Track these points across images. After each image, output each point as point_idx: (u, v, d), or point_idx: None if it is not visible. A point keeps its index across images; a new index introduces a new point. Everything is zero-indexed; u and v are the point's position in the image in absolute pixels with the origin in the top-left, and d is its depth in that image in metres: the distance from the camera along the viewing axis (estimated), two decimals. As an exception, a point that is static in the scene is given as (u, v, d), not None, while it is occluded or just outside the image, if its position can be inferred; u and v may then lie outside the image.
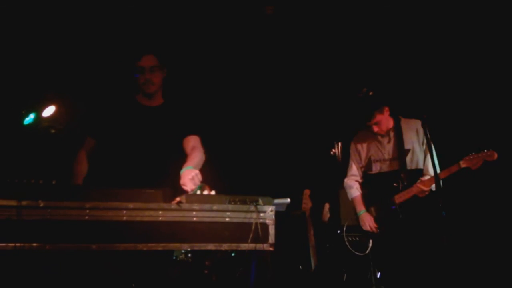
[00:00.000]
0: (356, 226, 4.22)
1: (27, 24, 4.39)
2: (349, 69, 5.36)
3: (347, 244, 4.21)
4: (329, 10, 4.76)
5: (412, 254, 3.73)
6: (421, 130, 3.88)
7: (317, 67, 5.44)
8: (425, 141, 3.83)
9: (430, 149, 3.45)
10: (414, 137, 3.96)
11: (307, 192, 5.48)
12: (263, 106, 5.75)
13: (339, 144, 5.43)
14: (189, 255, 4.30)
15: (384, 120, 3.96)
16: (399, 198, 3.89)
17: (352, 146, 4.31)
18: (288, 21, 4.89)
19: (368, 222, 4.08)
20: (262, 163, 5.65)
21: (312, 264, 5.16)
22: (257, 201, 2.55)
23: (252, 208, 2.51)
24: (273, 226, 2.54)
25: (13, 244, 2.16)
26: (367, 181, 4.21)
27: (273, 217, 2.55)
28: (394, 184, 3.92)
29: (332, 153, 5.51)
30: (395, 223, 3.87)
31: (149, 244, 2.34)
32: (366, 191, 4.18)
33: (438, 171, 3.59)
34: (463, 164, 3.70)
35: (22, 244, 2.17)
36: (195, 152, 3.02)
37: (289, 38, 5.11)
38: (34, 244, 2.19)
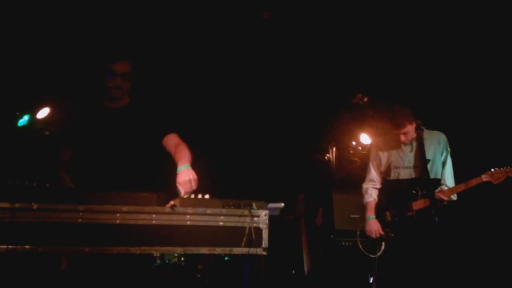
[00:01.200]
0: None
1: (20, 26, 4.37)
2: (343, 74, 5.38)
3: (360, 245, 4.28)
4: (326, 15, 4.77)
5: (423, 261, 3.78)
6: (442, 142, 4.07)
7: (310, 72, 5.45)
8: (445, 153, 4.04)
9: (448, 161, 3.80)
10: (436, 148, 4.08)
11: (301, 196, 5.50)
12: (257, 111, 5.75)
13: (333, 149, 5.46)
14: (182, 258, 4.30)
15: (412, 131, 4.06)
16: (417, 205, 3.95)
17: (373, 151, 4.36)
18: (284, 26, 4.90)
19: (374, 228, 4.13)
20: (256, 167, 5.65)
21: (305, 268, 5.17)
22: (251, 205, 2.55)
23: (246, 212, 2.52)
24: (267, 231, 2.55)
25: (5, 246, 2.15)
26: (384, 185, 4.28)
27: (267, 221, 2.56)
28: (413, 192, 3.98)
29: (326, 158, 5.54)
30: (411, 229, 3.93)
31: (142, 248, 2.34)
32: (383, 196, 4.25)
33: (453, 183, 3.89)
34: (485, 178, 3.79)
35: (14, 247, 2.16)
36: (181, 148, 2.93)
37: (285, 43, 5.12)
38: (27, 247, 2.18)
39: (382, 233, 4.10)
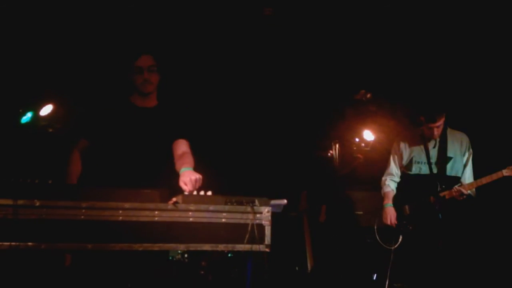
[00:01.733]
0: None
1: (24, 22, 4.37)
2: (346, 71, 5.36)
3: (377, 237, 4.35)
4: (328, 12, 4.75)
5: (440, 254, 3.88)
6: (464, 142, 4.18)
7: (314, 68, 5.44)
8: (467, 154, 4.15)
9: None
10: (457, 147, 4.18)
11: (304, 193, 5.49)
12: (261, 107, 5.74)
13: (336, 145, 5.44)
14: (186, 255, 4.30)
15: (442, 126, 4.14)
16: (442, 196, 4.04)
17: (395, 145, 4.44)
18: (286, 23, 4.89)
19: (390, 215, 4.23)
20: (259, 164, 5.65)
21: (309, 265, 5.17)
22: (254, 202, 2.55)
23: (249, 209, 2.51)
24: (270, 227, 2.55)
25: (8, 243, 2.16)
26: (405, 179, 4.36)
27: (270, 218, 2.56)
28: (433, 186, 4.07)
29: (329, 154, 5.52)
30: (431, 222, 4.01)
31: (145, 244, 2.34)
32: (403, 190, 4.33)
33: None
34: (506, 172, 3.86)
35: (17, 243, 2.17)
36: (188, 155, 3.00)
37: (288, 40, 5.11)
38: (30, 244, 2.19)
39: (396, 221, 4.19)
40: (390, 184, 4.41)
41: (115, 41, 4.64)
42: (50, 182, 2.31)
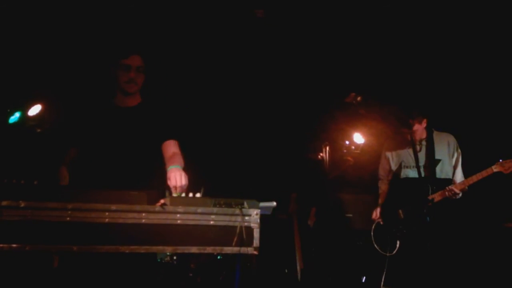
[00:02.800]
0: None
1: (13, 21, 4.33)
2: (337, 73, 5.37)
3: (375, 244, 4.37)
4: (319, 14, 4.76)
5: (431, 257, 3.91)
6: (451, 143, 4.20)
7: (304, 70, 5.44)
8: (456, 154, 4.18)
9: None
10: (445, 149, 4.20)
11: (294, 195, 5.48)
12: (251, 109, 5.74)
13: (327, 148, 5.44)
14: (174, 257, 4.28)
15: (420, 130, 4.21)
16: (436, 197, 4.05)
17: (383, 152, 4.57)
18: (277, 25, 4.88)
19: (376, 212, 4.39)
20: (249, 166, 5.64)
21: (298, 267, 5.16)
22: (243, 204, 2.53)
23: (237, 211, 2.49)
24: (258, 230, 2.53)
25: (-8, 245, 2.12)
26: (394, 183, 4.45)
27: (258, 220, 2.54)
28: (426, 189, 4.09)
29: (319, 157, 5.51)
30: (421, 226, 4.04)
31: (132, 247, 2.31)
32: (395, 196, 4.40)
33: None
34: (495, 168, 3.90)
35: (1, 245, 2.13)
36: (177, 155, 2.97)
37: (277, 41, 5.10)
38: (14, 245, 2.15)
39: (379, 217, 4.35)
40: (381, 186, 4.56)
41: (101, 37, 4.59)
42: (35, 183, 2.27)
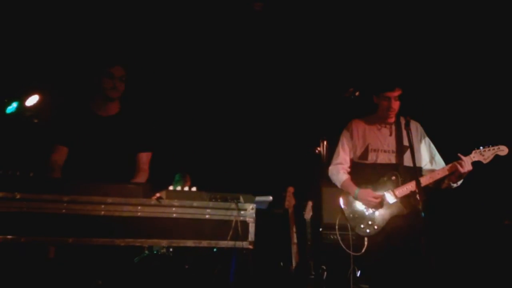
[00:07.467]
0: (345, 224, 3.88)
1: (7, 14, 4.33)
2: (335, 68, 5.36)
3: (341, 244, 3.85)
4: (317, 9, 4.75)
5: (409, 254, 3.52)
6: (419, 129, 3.87)
7: (301, 65, 5.43)
8: (426, 139, 3.84)
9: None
10: (414, 136, 3.77)
11: (290, 189, 5.48)
12: (247, 103, 5.73)
13: (324, 142, 5.43)
14: (171, 249, 4.29)
15: (397, 107, 3.80)
16: (400, 192, 3.68)
17: (345, 133, 4.05)
18: (275, 20, 4.87)
19: (369, 196, 3.71)
20: (245, 160, 5.64)
21: (293, 262, 5.17)
22: (238, 198, 2.54)
23: (233, 205, 2.51)
24: (253, 224, 2.55)
25: (-13, 236, 2.13)
26: (359, 170, 3.92)
27: (254, 215, 2.55)
28: (393, 178, 3.74)
29: (317, 151, 5.51)
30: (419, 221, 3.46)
31: (127, 240, 2.32)
32: (360, 181, 3.85)
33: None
34: (473, 157, 3.60)
35: (-3, 237, 2.14)
36: (141, 176, 3.12)
37: (274, 36, 5.09)
38: (9, 237, 2.16)
39: (378, 196, 3.70)
40: (341, 171, 3.90)
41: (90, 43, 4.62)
42: (31, 174, 2.28)
